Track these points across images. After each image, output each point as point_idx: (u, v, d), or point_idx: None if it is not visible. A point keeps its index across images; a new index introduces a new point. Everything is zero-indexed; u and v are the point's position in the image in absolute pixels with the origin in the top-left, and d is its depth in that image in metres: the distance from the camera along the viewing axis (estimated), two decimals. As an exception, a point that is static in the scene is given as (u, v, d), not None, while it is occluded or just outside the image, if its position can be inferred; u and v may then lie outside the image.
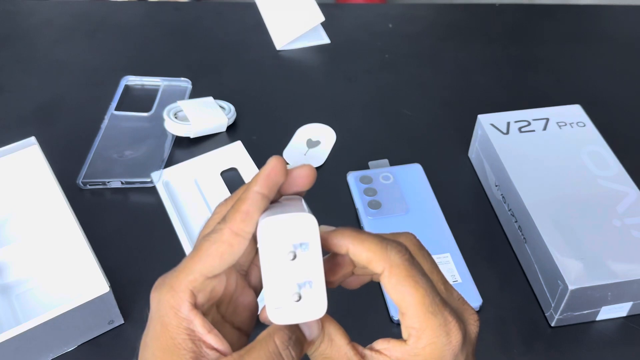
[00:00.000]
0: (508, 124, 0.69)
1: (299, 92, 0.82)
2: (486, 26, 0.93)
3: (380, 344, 0.36)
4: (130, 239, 0.65)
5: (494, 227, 0.67)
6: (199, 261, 0.32)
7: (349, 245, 0.33)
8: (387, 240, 0.33)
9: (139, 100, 0.79)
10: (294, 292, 0.31)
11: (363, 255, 0.33)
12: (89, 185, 0.69)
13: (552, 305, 0.58)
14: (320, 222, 0.32)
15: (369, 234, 0.34)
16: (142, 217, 0.67)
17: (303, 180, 0.34)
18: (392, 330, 0.58)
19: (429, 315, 0.33)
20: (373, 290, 0.60)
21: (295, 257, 0.31)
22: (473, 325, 0.35)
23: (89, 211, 0.66)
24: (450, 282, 0.59)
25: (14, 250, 0.60)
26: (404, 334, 0.34)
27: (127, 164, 0.71)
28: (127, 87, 0.80)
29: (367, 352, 0.35)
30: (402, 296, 0.33)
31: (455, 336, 0.33)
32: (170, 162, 0.71)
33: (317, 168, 0.72)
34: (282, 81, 0.84)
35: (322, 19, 0.87)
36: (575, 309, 0.57)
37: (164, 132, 0.74)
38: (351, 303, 0.60)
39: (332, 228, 0.35)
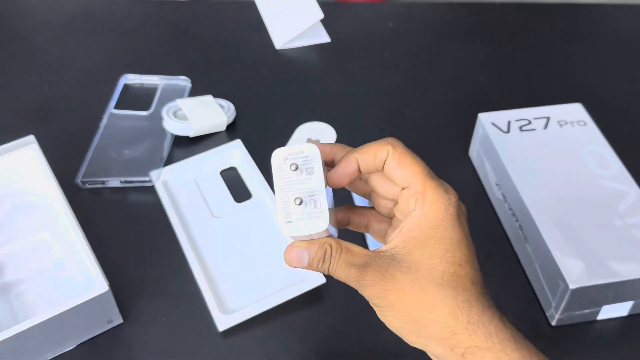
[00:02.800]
0: (509, 122, 0.68)
1: (298, 90, 0.82)
2: (487, 25, 0.93)
3: (389, 232, 0.42)
4: (130, 238, 0.65)
5: (494, 226, 0.66)
6: None
7: (357, 156, 0.40)
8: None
9: (138, 99, 0.79)
10: (301, 207, 0.37)
11: (369, 152, 0.39)
12: (88, 184, 0.68)
13: (553, 304, 0.57)
14: None
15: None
16: (141, 216, 0.67)
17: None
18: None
19: (429, 179, 0.38)
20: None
21: (301, 174, 0.38)
22: (461, 202, 0.40)
23: (88, 210, 0.65)
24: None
25: (13, 249, 0.59)
26: (410, 205, 0.39)
27: (126, 163, 0.70)
28: (126, 86, 0.80)
29: (382, 247, 0.39)
30: (406, 168, 0.39)
31: (453, 195, 0.39)
32: (169, 161, 0.71)
33: (317, 167, 0.71)
34: (282, 80, 0.83)
35: (321, 16, 0.86)
36: (576, 309, 0.57)
37: (163, 131, 0.73)
38: (351, 303, 0.60)
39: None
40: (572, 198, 0.61)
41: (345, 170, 0.40)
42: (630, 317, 0.59)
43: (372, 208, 0.44)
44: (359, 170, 0.40)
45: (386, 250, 0.39)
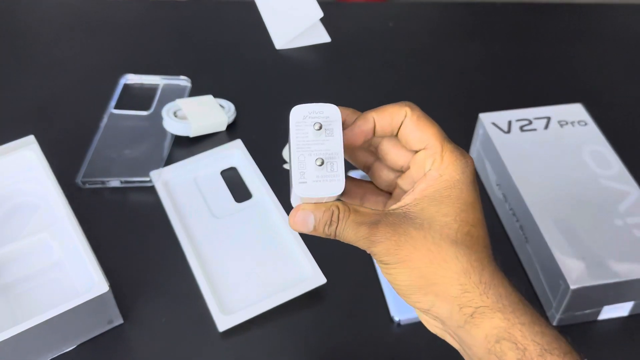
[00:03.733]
0: (509, 122, 0.68)
1: (299, 90, 0.82)
2: (487, 24, 0.93)
3: (390, 204, 0.42)
4: (130, 239, 0.65)
5: (495, 226, 0.66)
6: None
7: (374, 115, 0.39)
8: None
9: (138, 99, 0.78)
10: (317, 169, 0.37)
11: (386, 113, 0.39)
12: (88, 184, 0.68)
13: (554, 304, 0.57)
14: None
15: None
16: (141, 216, 0.67)
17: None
18: (393, 330, 0.58)
19: (446, 142, 0.38)
20: (373, 290, 0.60)
21: (320, 135, 0.37)
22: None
23: (88, 210, 0.65)
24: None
25: (13, 249, 0.59)
26: (426, 166, 0.38)
27: (126, 163, 0.70)
28: (126, 86, 0.80)
29: (393, 205, 0.39)
30: (424, 130, 0.38)
31: (470, 158, 0.38)
32: (169, 161, 0.71)
33: (318, 167, 0.71)
34: (282, 79, 0.83)
35: (321, 14, 0.86)
36: (577, 309, 0.57)
37: (163, 131, 0.73)
38: (352, 303, 0.60)
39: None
40: (573, 198, 0.61)
41: (361, 129, 0.39)
42: (631, 318, 0.59)
43: (370, 182, 0.43)
44: (373, 132, 0.39)
45: (397, 208, 0.38)
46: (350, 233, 0.38)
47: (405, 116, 0.39)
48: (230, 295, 0.59)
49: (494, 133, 0.67)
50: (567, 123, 0.68)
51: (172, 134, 0.73)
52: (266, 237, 0.64)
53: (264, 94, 0.81)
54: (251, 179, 0.69)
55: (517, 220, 0.63)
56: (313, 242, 0.62)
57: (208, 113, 0.74)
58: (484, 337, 0.36)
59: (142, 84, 0.81)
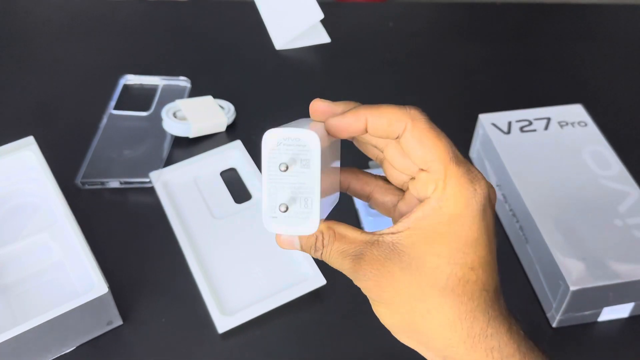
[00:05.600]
0: (509, 123, 0.68)
1: (298, 91, 0.82)
2: (487, 25, 0.93)
3: (401, 206, 0.37)
4: (129, 240, 0.65)
5: (495, 227, 0.66)
6: None
7: (368, 115, 0.34)
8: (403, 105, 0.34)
9: (138, 99, 0.78)
10: (287, 205, 0.33)
11: (383, 117, 0.33)
12: (88, 185, 0.68)
13: (554, 305, 0.57)
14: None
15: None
16: (140, 217, 0.67)
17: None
18: (393, 331, 0.58)
19: (453, 164, 0.32)
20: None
21: (292, 171, 0.33)
22: (492, 189, 0.34)
23: (88, 211, 0.65)
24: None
25: (12, 250, 0.59)
26: (427, 191, 0.33)
27: (126, 164, 0.70)
28: (125, 87, 0.80)
29: (384, 230, 0.35)
30: (426, 147, 0.33)
31: (481, 186, 0.33)
32: (169, 162, 0.71)
33: (317, 168, 0.71)
34: (282, 80, 0.83)
35: (322, 16, 0.86)
36: (577, 310, 0.57)
37: (162, 131, 0.73)
38: (351, 304, 0.60)
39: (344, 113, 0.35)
40: (573, 199, 0.61)
41: (347, 125, 0.34)
42: (631, 319, 0.59)
43: (380, 177, 0.39)
44: (365, 131, 0.34)
45: (386, 235, 0.34)
46: (336, 262, 0.35)
47: (405, 129, 0.33)
48: (230, 296, 0.59)
49: (493, 134, 0.67)
50: (567, 124, 0.68)
51: (172, 135, 0.73)
52: (266, 238, 0.64)
53: (263, 94, 0.81)
54: (251, 180, 0.69)
55: (517, 221, 0.63)
56: (313, 243, 0.62)
57: (208, 114, 0.74)
58: None
59: (141, 85, 0.81)
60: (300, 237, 0.36)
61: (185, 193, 0.68)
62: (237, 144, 0.72)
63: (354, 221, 0.66)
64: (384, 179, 0.39)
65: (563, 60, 0.87)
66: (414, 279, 0.32)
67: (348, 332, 0.58)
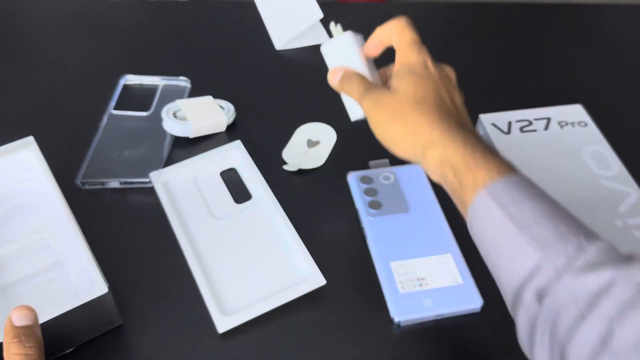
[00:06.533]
0: (509, 123, 0.68)
1: (298, 91, 0.82)
2: (487, 25, 0.93)
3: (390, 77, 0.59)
4: (129, 240, 0.65)
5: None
6: None
7: (377, 32, 0.60)
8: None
9: (138, 99, 0.78)
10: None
11: (376, 37, 0.60)
12: (88, 185, 0.68)
13: (554, 306, 0.57)
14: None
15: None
16: (140, 217, 0.67)
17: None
18: (393, 330, 0.58)
19: (412, 48, 0.57)
20: (373, 291, 0.60)
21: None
22: (450, 70, 0.59)
23: (88, 211, 0.65)
24: (451, 283, 0.59)
25: (12, 250, 0.59)
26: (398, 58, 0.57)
27: (126, 164, 0.70)
28: (125, 87, 0.80)
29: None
30: (401, 37, 0.58)
31: (433, 70, 0.56)
32: (169, 162, 0.71)
33: (317, 168, 0.71)
34: (282, 80, 0.83)
35: (321, 15, 0.86)
36: (577, 310, 0.57)
37: (162, 131, 0.73)
38: (352, 304, 0.60)
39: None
40: (573, 199, 0.61)
41: (372, 43, 0.60)
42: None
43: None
44: (381, 44, 0.59)
45: (387, 85, 0.58)
46: (353, 88, 0.58)
47: (392, 42, 0.58)
48: (230, 296, 0.59)
49: (494, 134, 0.67)
50: (567, 124, 0.68)
51: (172, 135, 0.73)
52: (266, 238, 0.64)
53: (263, 94, 0.81)
54: (251, 180, 0.69)
55: (517, 221, 0.63)
56: (313, 243, 0.62)
57: (208, 114, 0.74)
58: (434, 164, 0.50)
59: (141, 85, 0.81)
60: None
61: (185, 193, 0.68)
62: (237, 144, 0.72)
63: (354, 221, 0.66)
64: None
65: (563, 60, 0.87)
66: (395, 97, 0.54)
67: (348, 332, 0.58)
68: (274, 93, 0.81)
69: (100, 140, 0.73)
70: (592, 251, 0.42)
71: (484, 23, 0.93)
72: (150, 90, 0.80)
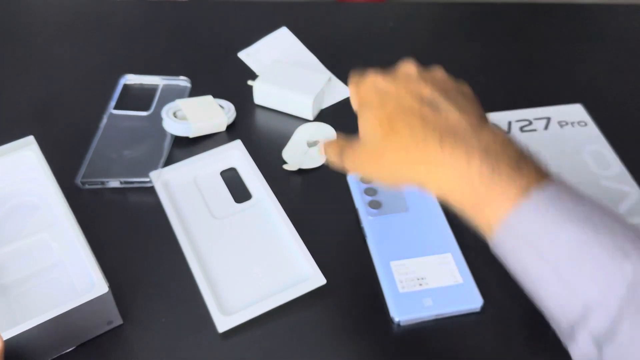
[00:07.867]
0: (509, 123, 0.68)
1: (298, 91, 0.81)
2: (487, 25, 0.93)
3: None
4: (129, 239, 0.65)
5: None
6: None
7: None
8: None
9: (138, 99, 0.78)
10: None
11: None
12: (88, 185, 0.68)
13: (554, 305, 0.57)
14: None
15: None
16: (141, 217, 0.67)
17: None
18: (392, 330, 0.58)
19: (357, 82, 0.55)
20: (373, 291, 0.60)
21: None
22: (407, 66, 0.55)
23: (88, 211, 0.65)
24: (451, 283, 0.59)
25: (12, 250, 0.59)
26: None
27: (126, 164, 0.70)
28: (125, 86, 0.80)
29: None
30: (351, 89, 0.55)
31: (386, 85, 0.52)
32: (169, 162, 0.71)
33: (317, 168, 0.71)
34: (281, 80, 0.83)
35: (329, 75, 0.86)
36: (577, 310, 0.57)
37: (163, 131, 0.73)
38: (352, 304, 0.60)
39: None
40: (573, 199, 0.61)
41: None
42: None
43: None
44: None
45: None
46: (332, 156, 0.55)
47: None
48: (230, 296, 0.59)
49: (493, 133, 0.67)
50: (567, 123, 0.68)
51: (172, 135, 0.73)
52: (266, 237, 0.64)
53: (263, 94, 0.81)
54: (251, 180, 0.69)
55: (517, 221, 0.63)
56: (313, 243, 0.62)
57: (208, 113, 0.74)
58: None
59: (141, 84, 0.81)
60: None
61: (185, 193, 0.68)
62: (237, 144, 0.72)
63: (354, 221, 0.66)
64: None
65: (563, 59, 0.87)
66: (367, 146, 0.51)
67: (348, 331, 0.58)
68: (274, 93, 0.81)
69: (100, 140, 0.73)
70: None
71: (484, 23, 0.93)
72: (150, 90, 0.80)
